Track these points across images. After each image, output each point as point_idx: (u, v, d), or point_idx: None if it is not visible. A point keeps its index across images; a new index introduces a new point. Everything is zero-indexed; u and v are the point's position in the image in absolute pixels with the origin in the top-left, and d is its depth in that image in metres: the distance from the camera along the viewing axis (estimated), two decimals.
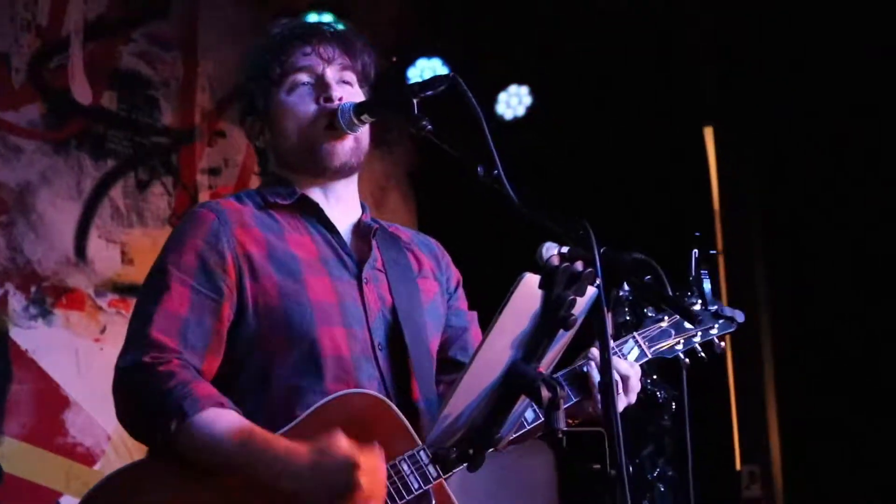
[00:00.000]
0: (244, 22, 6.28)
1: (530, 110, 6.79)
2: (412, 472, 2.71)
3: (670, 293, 2.56)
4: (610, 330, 2.35)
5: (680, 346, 3.06)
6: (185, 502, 2.67)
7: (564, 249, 2.38)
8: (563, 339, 2.39)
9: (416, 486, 2.72)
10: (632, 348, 3.00)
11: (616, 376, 2.80)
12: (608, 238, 2.37)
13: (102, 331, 5.78)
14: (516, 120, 6.79)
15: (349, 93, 3.00)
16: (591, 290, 2.32)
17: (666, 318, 3.06)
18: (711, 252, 3.05)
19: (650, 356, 3.02)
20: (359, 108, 2.90)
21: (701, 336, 3.09)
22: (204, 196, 6.23)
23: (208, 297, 2.80)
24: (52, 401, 5.60)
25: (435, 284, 3.13)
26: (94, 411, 5.65)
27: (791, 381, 6.41)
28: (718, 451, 6.41)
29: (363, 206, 3.11)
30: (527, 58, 6.74)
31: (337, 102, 2.93)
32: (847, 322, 6.11)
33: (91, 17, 5.99)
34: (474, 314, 3.21)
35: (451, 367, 3.07)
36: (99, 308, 5.78)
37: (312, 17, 6.03)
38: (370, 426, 2.74)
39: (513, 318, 2.29)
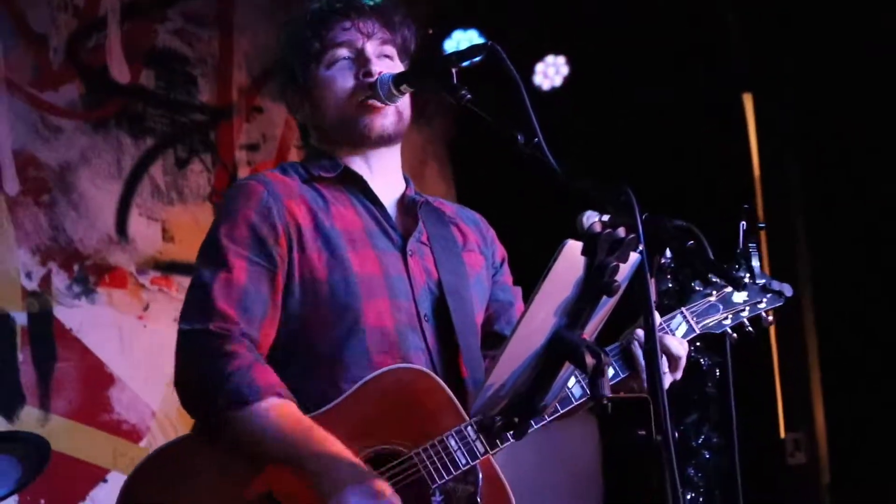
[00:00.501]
0: None
1: (567, 80, 6.76)
2: (459, 447, 2.72)
3: (712, 259, 2.54)
4: (653, 297, 2.34)
5: (728, 321, 3.04)
6: (231, 482, 2.68)
7: (605, 217, 2.37)
8: (607, 305, 2.38)
9: (464, 461, 2.73)
10: (679, 324, 2.98)
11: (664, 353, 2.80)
12: (648, 207, 2.36)
13: (145, 308, 5.82)
14: (554, 90, 6.76)
15: (389, 66, 2.99)
16: (633, 257, 2.31)
17: (714, 292, 3.04)
18: (760, 225, 3.02)
19: (698, 332, 3.01)
20: (398, 79, 2.89)
21: (749, 310, 3.07)
22: (243, 172, 6.25)
23: (264, 266, 2.82)
24: (97, 378, 5.64)
25: (480, 258, 3.13)
26: (139, 388, 5.70)
27: (834, 348, 6.37)
28: (762, 419, 6.38)
29: (407, 180, 3.11)
30: (563, 28, 6.70)
31: (376, 77, 2.93)
32: (892, 288, 6.06)
33: None
34: (519, 289, 3.21)
35: (497, 341, 3.07)
36: (141, 286, 5.82)
37: None
38: (418, 401, 2.76)
39: (555, 285, 2.28)
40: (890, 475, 5.98)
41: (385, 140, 2.99)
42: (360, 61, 2.97)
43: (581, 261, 2.29)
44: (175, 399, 2.84)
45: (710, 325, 3.03)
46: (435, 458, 2.71)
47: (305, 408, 2.74)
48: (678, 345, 2.89)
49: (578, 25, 6.62)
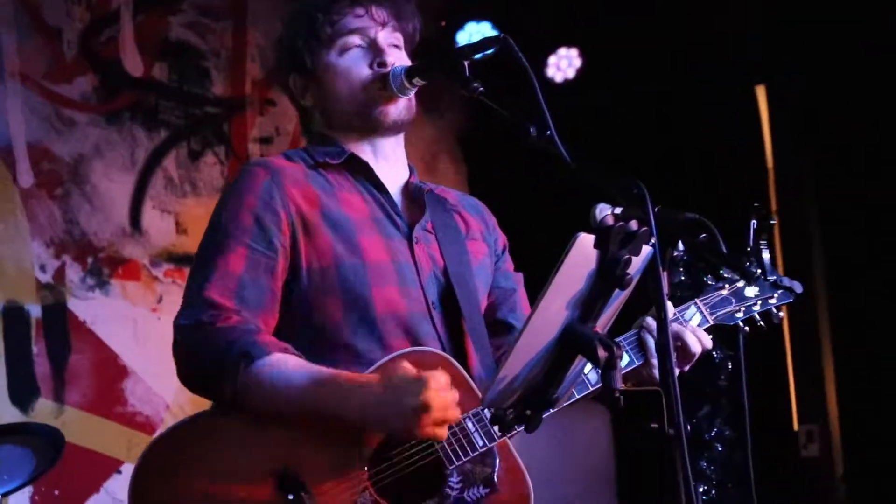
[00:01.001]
0: None
1: (580, 73, 6.76)
2: (477, 429, 2.73)
3: (725, 252, 2.54)
4: (666, 290, 2.34)
5: (740, 315, 3.06)
6: (245, 458, 2.67)
7: (617, 210, 2.37)
8: (619, 298, 2.38)
9: (481, 443, 2.74)
10: (693, 314, 3.00)
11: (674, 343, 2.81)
12: (660, 200, 2.36)
13: (159, 300, 5.84)
14: (566, 83, 6.76)
15: (398, 57, 2.99)
16: (646, 250, 2.31)
17: (726, 286, 3.06)
18: (770, 222, 3.02)
19: (711, 322, 3.02)
20: (410, 72, 2.89)
21: (760, 305, 3.08)
22: None
23: (264, 254, 2.79)
24: (111, 371, 5.67)
25: (483, 246, 3.12)
26: (153, 380, 5.72)
27: (848, 340, 6.36)
28: (775, 411, 6.38)
29: (411, 168, 3.11)
30: (576, 20, 6.69)
31: (390, 68, 2.93)
32: None
33: None
34: (520, 276, 3.21)
35: (500, 328, 3.08)
36: (155, 278, 5.84)
37: None
38: None
39: (568, 278, 2.28)
40: None
41: (397, 128, 2.99)
42: (375, 50, 2.96)
43: (593, 253, 2.29)
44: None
45: (723, 316, 3.04)
46: (453, 440, 2.71)
47: None
48: (696, 341, 2.89)
49: (591, 17, 6.61)
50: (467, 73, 2.72)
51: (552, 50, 6.77)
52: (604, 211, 2.37)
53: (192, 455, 2.68)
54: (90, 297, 5.66)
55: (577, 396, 2.83)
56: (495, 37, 2.69)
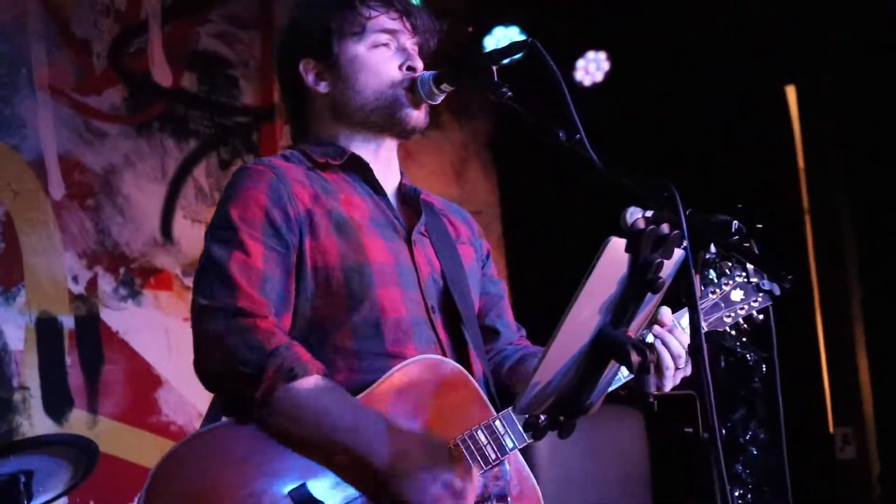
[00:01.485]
0: None
1: (609, 76, 6.74)
2: (489, 441, 2.70)
3: (758, 253, 2.53)
4: (698, 293, 2.33)
5: (729, 320, 3.03)
6: (269, 462, 2.63)
7: (648, 213, 2.36)
8: (652, 302, 2.37)
9: (494, 456, 2.71)
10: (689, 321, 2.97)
11: (681, 350, 2.77)
12: (692, 202, 2.34)
13: None
14: (595, 86, 6.75)
15: (421, 68, 2.99)
16: (678, 253, 2.29)
17: (717, 290, 3.03)
18: (758, 226, 3.00)
19: (706, 328, 2.98)
20: (438, 78, 2.87)
21: (746, 309, 3.04)
22: None
23: (277, 251, 2.74)
24: (145, 380, 5.68)
25: (471, 250, 3.11)
26: (186, 390, 5.73)
27: (883, 342, 6.32)
28: (811, 414, 6.35)
29: (401, 171, 3.09)
30: (604, 23, 6.68)
31: (419, 73, 2.92)
32: None
33: (168, 0, 6.05)
34: (504, 282, 3.22)
35: (488, 334, 3.06)
36: (187, 288, 5.85)
37: None
38: (449, 393, 2.73)
39: (600, 282, 2.27)
40: None
41: (412, 134, 2.97)
42: (405, 54, 2.94)
43: (625, 258, 2.28)
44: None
45: (715, 322, 3.01)
46: (466, 454, 2.68)
47: None
48: (677, 343, 2.81)
49: (619, 20, 6.60)
50: (496, 79, 2.71)
51: (580, 53, 6.76)
52: (635, 214, 2.36)
53: (206, 470, 2.63)
54: (122, 307, 5.68)
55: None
56: (523, 41, 2.68)
